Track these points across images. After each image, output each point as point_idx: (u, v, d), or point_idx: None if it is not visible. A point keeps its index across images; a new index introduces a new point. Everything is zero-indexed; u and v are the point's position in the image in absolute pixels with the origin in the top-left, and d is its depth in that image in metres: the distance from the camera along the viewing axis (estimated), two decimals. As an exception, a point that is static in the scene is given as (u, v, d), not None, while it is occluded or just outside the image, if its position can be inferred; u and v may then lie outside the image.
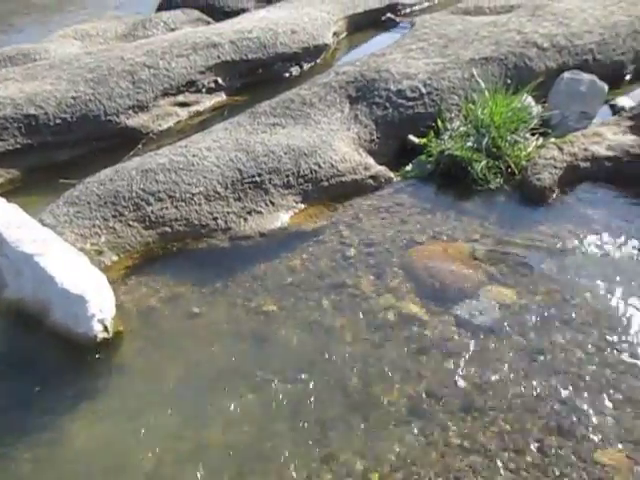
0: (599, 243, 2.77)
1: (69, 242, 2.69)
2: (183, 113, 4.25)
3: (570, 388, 2.13)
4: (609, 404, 2.07)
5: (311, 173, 3.23)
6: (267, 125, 3.54)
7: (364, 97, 3.73)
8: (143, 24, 5.38)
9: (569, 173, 3.18)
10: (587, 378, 2.16)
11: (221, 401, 2.17)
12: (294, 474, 1.92)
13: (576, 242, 2.78)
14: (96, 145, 3.83)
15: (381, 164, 3.42)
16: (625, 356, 2.23)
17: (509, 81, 3.82)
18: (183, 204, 3.01)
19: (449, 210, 3.10)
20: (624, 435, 1.97)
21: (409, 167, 3.43)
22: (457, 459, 1.93)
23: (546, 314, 2.43)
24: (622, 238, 2.79)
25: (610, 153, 3.25)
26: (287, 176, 3.20)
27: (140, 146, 3.82)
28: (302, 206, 3.16)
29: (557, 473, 1.88)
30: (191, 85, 4.36)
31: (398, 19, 5.80)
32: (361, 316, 2.48)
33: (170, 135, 4.01)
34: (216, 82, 4.49)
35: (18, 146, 3.65)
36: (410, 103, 3.68)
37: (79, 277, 2.42)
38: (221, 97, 4.49)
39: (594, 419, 2.02)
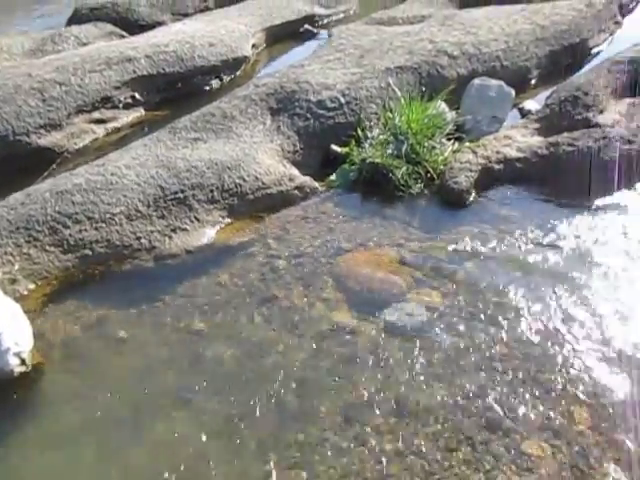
0: (516, 243, 2.91)
1: (-21, 272, 2.55)
2: (100, 130, 4.12)
3: (496, 384, 2.22)
4: (530, 397, 2.17)
5: (236, 187, 3.21)
6: (188, 140, 3.49)
7: (285, 109, 3.75)
8: (52, 39, 5.17)
9: (484, 175, 3.33)
10: (510, 373, 2.26)
11: (152, 425, 2.11)
12: (232, 495, 1.90)
13: (495, 242, 2.91)
14: (6, 167, 3.63)
15: (306, 175, 3.45)
16: (544, 350, 2.35)
17: (424, 89, 3.95)
18: (103, 225, 2.91)
19: (374, 217, 3.16)
20: (546, 425, 2.07)
21: (333, 176, 3.48)
22: (393, 463, 1.97)
23: (470, 314, 2.53)
24: (536, 236, 2.94)
25: (520, 155, 3.42)
26: (211, 191, 3.16)
27: (54, 166, 3.66)
28: (228, 220, 3.13)
29: (488, 467, 1.95)
30: (107, 101, 4.23)
31: (316, 30, 5.89)
32: (293, 328, 2.49)
33: (87, 154, 3.88)
34: (133, 97, 4.39)
35: None
36: (330, 113, 3.74)
37: (-9, 309, 2.29)
38: (140, 112, 4.39)
39: (519, 412, 2.12)
